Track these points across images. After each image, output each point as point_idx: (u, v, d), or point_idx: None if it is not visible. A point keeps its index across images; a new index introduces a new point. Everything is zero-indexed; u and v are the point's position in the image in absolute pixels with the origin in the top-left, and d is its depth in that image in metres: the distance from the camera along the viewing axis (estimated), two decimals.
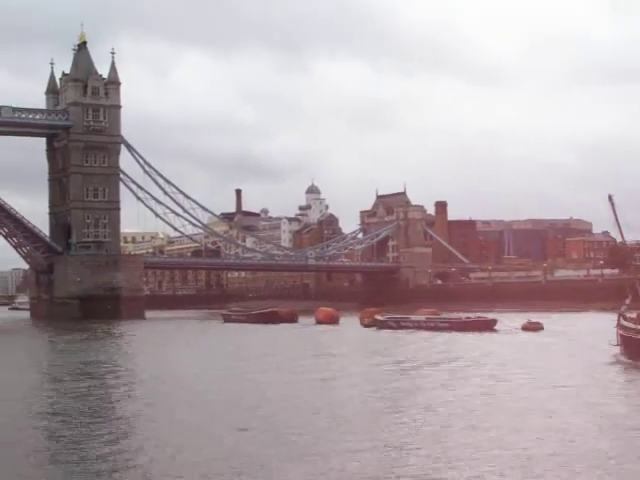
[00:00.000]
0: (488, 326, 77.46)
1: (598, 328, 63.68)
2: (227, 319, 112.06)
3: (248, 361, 50.37)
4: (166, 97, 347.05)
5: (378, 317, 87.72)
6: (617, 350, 46.97)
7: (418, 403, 31.05)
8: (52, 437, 25.21)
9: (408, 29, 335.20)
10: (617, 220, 53.73)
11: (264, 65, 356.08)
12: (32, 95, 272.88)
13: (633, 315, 47.04)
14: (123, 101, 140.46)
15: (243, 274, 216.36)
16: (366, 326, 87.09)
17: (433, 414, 28.38)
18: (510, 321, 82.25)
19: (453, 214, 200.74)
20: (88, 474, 19.94)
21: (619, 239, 64.75)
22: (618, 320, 48.32)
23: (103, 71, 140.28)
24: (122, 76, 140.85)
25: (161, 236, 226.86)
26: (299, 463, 20.63)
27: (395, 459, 21.02)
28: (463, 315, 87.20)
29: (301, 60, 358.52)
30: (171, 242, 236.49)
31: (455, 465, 20.17)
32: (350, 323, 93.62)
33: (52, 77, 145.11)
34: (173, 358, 54.78)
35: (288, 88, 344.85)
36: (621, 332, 46.89)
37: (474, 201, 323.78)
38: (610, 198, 52.34)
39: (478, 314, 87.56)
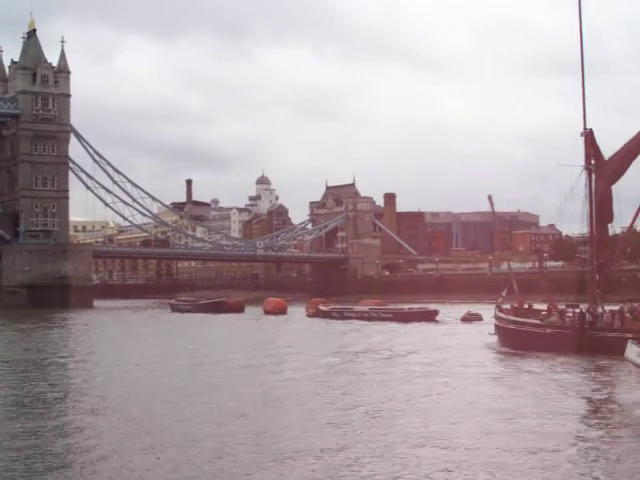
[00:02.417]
0: (430, 317, 79.18)
1: None
2: (175, 308, 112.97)
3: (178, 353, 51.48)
4: (110, 83, 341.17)
5: (322, 307, 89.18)
6: (493, 338, 51.04)
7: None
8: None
9: (353, 17, 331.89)
10: (495, 218, 57.47)
11: (207, 50, 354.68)
12: None
13: (507, 307, 51.09)
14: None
15: (193, 264, 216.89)
16: (310, 316, 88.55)
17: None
18: (452, 312, 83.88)
19: (402, 205, 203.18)
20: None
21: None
22: (495, 311, 52.22)
23: (49, 56, 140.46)
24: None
25: (112, 225, 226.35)
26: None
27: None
28: (406, 306, 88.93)
29: (245, 46, 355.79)
30: (122, 231, 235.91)
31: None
32: (297, 313, 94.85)
33: (0, 64, 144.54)
34: (109, 347, 55.92)
35: (232, 75, 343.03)
36: (496, 322, 50.83)
37: (423, 193, 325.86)
38: (490, 198, 57.04)
39: (420, 305, 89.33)
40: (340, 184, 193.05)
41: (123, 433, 23.85)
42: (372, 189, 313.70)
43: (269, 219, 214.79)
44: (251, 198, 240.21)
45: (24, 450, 21.43)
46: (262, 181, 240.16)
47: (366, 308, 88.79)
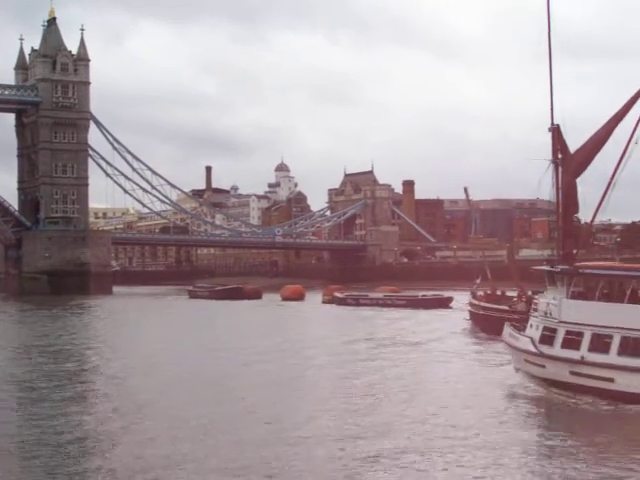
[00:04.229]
0: (444, 303, 79.91)
1: None
2: (192, 295, 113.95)
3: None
4: (124, 68, 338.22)
5: (337, 294, 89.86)
6: (467, 324, 54.32)
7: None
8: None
9: (368, 1, 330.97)
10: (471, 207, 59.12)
11: (222, 36, 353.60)
12: (0, 71, 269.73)
13: (481, 294, 52.99)
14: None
15: (212, 251, 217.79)
16: (326, 303, 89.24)
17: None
18: (468, 299, 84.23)
19: (420, 192, 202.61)
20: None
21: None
22: (470, 298, 54.02)
23: (66, 42, 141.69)
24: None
25: (132, 212, 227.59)
26: None
27: None
28: (420, 293, 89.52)
29: (259, 32, 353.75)
30: (141, 218, 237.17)
31: None
32: (315, 300, 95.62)
33: (21, 52, 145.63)
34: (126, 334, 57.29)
35: (247, 60, 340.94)
36: (469, 309, 52.85)
37: (442, 180, 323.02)
38: (465, 190, 59.47)
39: (435, 292, 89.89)
40: (358, 171, 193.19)
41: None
42: (390, 176, 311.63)
43: (288, 206, 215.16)
44: (270, 185, 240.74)
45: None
46: (281, 168, 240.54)
47: (380, 295, 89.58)
